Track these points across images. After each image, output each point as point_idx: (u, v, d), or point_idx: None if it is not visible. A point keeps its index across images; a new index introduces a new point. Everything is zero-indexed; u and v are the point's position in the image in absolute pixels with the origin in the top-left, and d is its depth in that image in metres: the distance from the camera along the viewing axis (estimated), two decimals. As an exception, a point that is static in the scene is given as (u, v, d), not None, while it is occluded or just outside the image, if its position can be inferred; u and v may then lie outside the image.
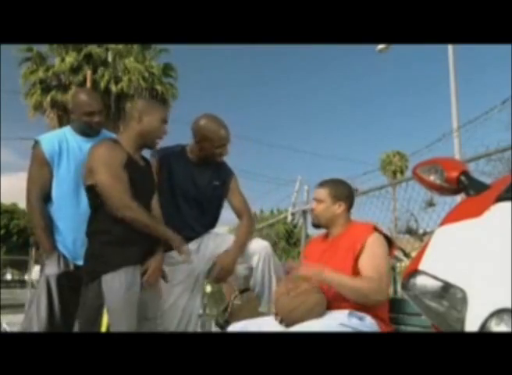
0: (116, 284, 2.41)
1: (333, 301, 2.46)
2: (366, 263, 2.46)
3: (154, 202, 2.78)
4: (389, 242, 2.60)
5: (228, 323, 2.94)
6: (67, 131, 3.03)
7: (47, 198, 2.91)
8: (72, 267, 2.88)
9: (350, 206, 2.75)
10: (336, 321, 2.28)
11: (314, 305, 2.38)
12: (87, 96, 3.01)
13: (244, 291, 3.49)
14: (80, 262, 2.81)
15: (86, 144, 2.83)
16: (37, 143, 2.93)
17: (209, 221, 3.22)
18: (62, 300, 2.85)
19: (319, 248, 2.73)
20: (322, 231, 2.86)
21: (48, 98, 20.63)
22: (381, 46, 12.57)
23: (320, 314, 2.38)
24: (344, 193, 2.74)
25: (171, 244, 2.58)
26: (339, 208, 2.69)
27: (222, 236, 3.17)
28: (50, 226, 2.90)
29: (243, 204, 3.22)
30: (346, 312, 2.34)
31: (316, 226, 2.80)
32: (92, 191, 2.52)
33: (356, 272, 2.48)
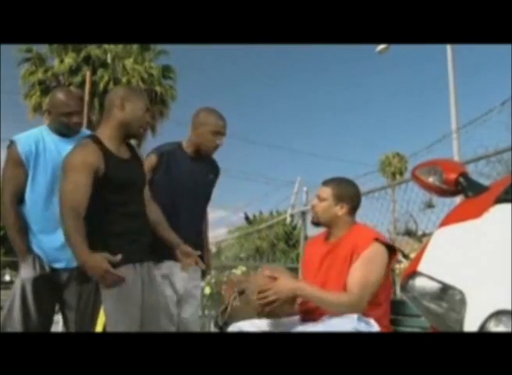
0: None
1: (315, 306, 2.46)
2: (354, 276, 2.40)
3: (148, 196, 2.76)
4: (392, 249, 2.50)
5: (227, 324, 2.94)
6: (44, 131, 2.92)
7: (21, 200, 2.82)
8: (48, 270, 2.79)
9: (354, 208, 2.63)
10: (348, 326, 2.25)
11: (283, 304, 2.38)
12: (66, 96, 2.89)
13: (243, 292, 3.49)
14: (57, 265, 2.77)
15: (63, 145, 2.76)
16: (12, 143, 2.83)
17: (202, 214, 3.33)
18: (37, 303, 2.75)
19: (320, 250, 2.64)
20: (321, 230, 2.78)
21: (47, 99, 20.63)
22: (380, 47, 12.57)
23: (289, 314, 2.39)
24: (348, 194, 2.61)
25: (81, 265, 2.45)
26: (340, 210, 2.58)
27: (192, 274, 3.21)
28: (25, 229, 2.82)
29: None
30: (354, 317, 2.31)
31: (315, 224, 2.71)
32: None
33: None
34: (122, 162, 2.55)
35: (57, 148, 2.83)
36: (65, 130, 2.88)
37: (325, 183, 2.68)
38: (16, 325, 2.73)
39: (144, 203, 2.69)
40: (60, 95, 2.90)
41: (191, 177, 3.14)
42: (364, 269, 2.39)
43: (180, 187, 3.09)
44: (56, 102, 2.88)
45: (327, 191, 2.62)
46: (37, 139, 2.85)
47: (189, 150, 3.16)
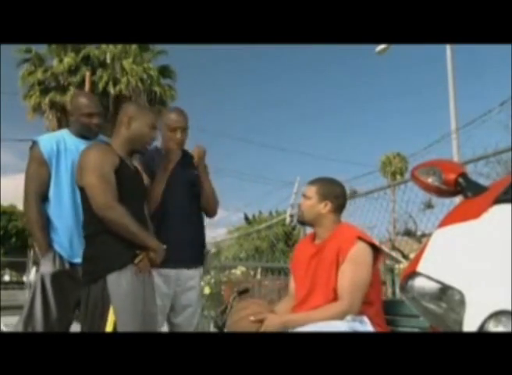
0: (123, 283, 2.41)
1: None
2: (342, 281, 2.42)
3: (145, 211, 2.79)
4: (376, 249, 2.52)
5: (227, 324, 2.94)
6: (65, 133, 3.05)
7: (44, 198, 2.93)
8: (68, 266, 2.88)
9: (338, 207, 2.65)
10: (342, 327, 2.26)
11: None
12: (87, 98, 3.06)
13: (243, 292, 3.49)
14: (77, 260, 2.83)
15: (83, 146, 2.83)
16: (35, 143, 2.96)
17: (197, 211, 3.25)
18: (57, 299, 2.84)
19: (307, 252, 2.66)
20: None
21: (47, 100, 20.62)
22: (380, 48, 12.56)
23: None
24: (333, 193, 2.63)
25: (149, 248, 2.53)
26: (324, 208, 2.61)
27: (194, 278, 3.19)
28: (46, 226, 2.91)
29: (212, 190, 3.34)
30: (347, 317, 2.33)
31: (301, 222, 2.78)
32: (85, 193, 2.53)
33: None
34: (130, 174, 2.65)
35: (77, 148, 2.91)
36: (86, 132, 3.01)
37: (311, 182, 2.72)
38: (37, 321, 2.80)
39: (143, 215, 2.71)
40: (81, 97, 3.07)
41: (176, 176, 3.11)
42: (351, 272, 2.42)
43: (168, 188, 3.07)
44: (78, 104, 3.01)
45: (312, 190, 2.66)
46: (58, 139, 2.98)
47: (164, 151, 3.16)
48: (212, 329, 6.29)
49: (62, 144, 2.96)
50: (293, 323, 2.40)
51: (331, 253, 2.50)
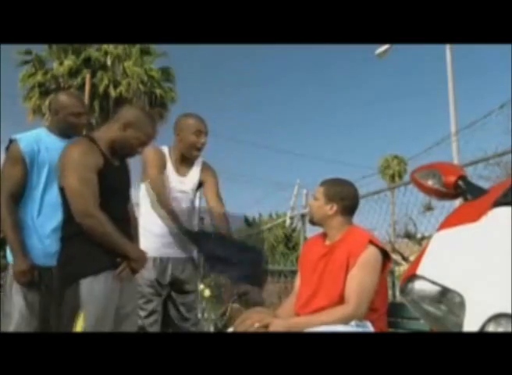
0: (96, 289, 2.34)
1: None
2: (351, 284, 2.41)
3: (130, 207, 2.76)
4: (385, 253, 2.52)
5: (227, 326, 2.94)
6: (43, 132, 2.98)
7: (18, 198, 2.86)
8: (39, 267, 2.81)
9: (346, 209, 2.62)
10: (345, 329, 2.26)
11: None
12: (74, 98, 3.00)
13: (243, 294, 3.49)
14: (49, 263, 2.78)
15: (64, 146, 2.79)
16: (14, 142, 2.88)
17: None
18: (27, 301, 2.78)
19: (317, 252, 2.65)
20: (320, 230, 2.78)
21: (47, 102, 20.63)
22: (380, 50, 12.56)
23: None
24: (340, 194, 2.61)
25: (129, 257, 2.46)
26: (330, 210, 2.58)
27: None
28: (19, 226, 2.83)
29: (219, 200, 3.32)
30: (352, 322, 2.33)
31: (311, 222, 2.77)
32: (64, 194, 2.43)
33: None
34: (112, 167, 2.55)
35: (57, 148, 2.85)
36: (71, 131, 2.93)
37: (322, 183, 2.71)
38: (10, 325, 2.75)
39: (128, 210, 2.68)
40: (69, 97, 3.01)
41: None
42: (361, 276, 2.41)
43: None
44: (65, 103, 2.94)
45: (320, 191, 2.66)
46: (38, 139, 2.91)
47: (174, 157, 3.18)
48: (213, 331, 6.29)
49: (42, 143, 2.89)
50: (298, 326, 2.38)
51: (341, 256, 2.48)
